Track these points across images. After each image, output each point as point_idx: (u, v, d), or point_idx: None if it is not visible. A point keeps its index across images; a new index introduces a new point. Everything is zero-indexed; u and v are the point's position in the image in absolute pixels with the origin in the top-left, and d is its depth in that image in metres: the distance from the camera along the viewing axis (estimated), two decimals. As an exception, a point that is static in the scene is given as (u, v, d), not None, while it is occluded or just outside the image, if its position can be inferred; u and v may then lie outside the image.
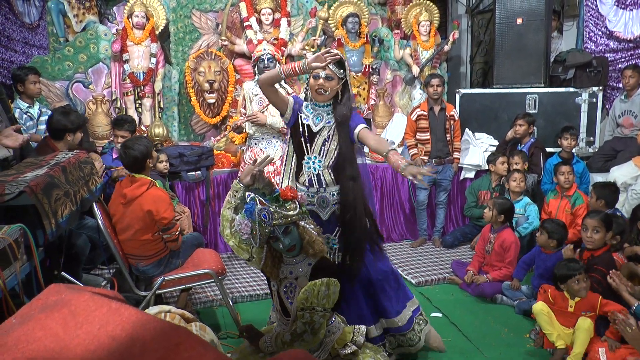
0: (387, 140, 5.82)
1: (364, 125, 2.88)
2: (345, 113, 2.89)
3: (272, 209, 2.42)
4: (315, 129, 2.92)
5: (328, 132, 2.92)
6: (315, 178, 2.94)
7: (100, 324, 1.06)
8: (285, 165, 3.09)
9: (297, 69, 2.79)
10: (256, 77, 4.57)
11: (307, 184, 2.96)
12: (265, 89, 2.88)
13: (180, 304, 3.64)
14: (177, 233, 3.37)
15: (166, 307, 3.07)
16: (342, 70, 2.88)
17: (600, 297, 3.12)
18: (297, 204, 2.50)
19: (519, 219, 4.65)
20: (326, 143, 2.92)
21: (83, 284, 3.41)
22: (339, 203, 2.95)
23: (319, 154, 2.92)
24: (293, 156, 3.04)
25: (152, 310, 3.01)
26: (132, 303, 3.20)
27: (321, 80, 2.84)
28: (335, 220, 2.97)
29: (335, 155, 2.93)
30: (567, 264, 3.25)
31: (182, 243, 3.51)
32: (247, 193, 2.52)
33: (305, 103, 2.99)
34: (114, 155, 4.53)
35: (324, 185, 2.94)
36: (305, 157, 2.94)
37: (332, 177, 2.94)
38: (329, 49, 2.83)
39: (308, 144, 2.93)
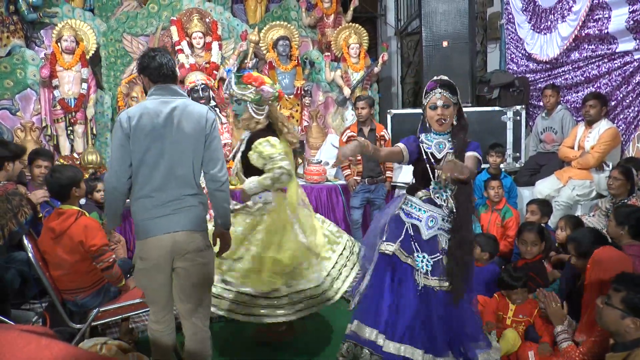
0: (321, 161, 5.92)
1: (473, 154, 2.89)
2: (462, 138, 2.92)
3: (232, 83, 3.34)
4: (439, 156, 2.92)
5: (450, 157, 2.88)
6: (441, 200, 2.92)
7: (30, 361, 1.04)
8: None
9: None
10: None
11: (425, 200, 2.95)
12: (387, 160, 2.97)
13: (122, 333, 3.55)
14: (110, 260, 3.26)
15: (102, 339, 3.03)
16: (455, 96, 2.93)
17: (538, 306, 3.25)
18: (254, 90, 3.26)
19: None
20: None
21: (12, 320, 3.27)
22: (446, 231, 2.92)
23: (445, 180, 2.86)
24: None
25: (88, 343, 2.95)
26: (67, 337, 3.11)
27: (439, 110, 2.89)
28: (434, 244, 2.92)
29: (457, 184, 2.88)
30: (512, 274, 3.37)
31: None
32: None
33: (424, 134, 3.00)
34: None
35: (446, 208, 2.91)
36: (432, 184, 2.93)
37: (453, 204, 2.90)
38: None
39: (435, 171, 2.90)
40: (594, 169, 4.90)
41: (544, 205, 4.49)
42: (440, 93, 2.90)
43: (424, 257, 2.89)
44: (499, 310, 3.35)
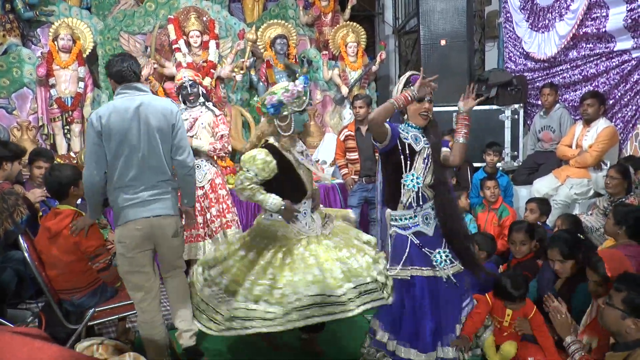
0: (319, 160, 5.91)
1: (447, 149, 3.07)
2: (438, 135, 3.05)
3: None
4: (417, 148, 2.96)
5: (426, 152, 2.98)
6: (415, 196, 2.96)
7: (23, 364, 1.03)
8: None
9: (408, 99, 2.84)
10: (182, 105, 4.52)
11: (409, 205, 2.97)
12: (380, 125, 2.86)
13: (119, 333, 3.54)
14: (106, 261, 3.24)
15: (98, 339, 3.02)
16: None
17: (535, 306, 3.18)
18: None
19: None
20: (425, 162, 2.97)
21: (9, 320, 3.27)
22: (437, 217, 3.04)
23: (418, 172, 2.96)
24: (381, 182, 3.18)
25: (85, 343, 2.94)
26: (63, 337, 3.10)
27: (427, 105, 2.95)
28: (439, 234, 3.01)
29: (432, 174, 2.99)
30: (513, 283, 3.18)
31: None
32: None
33: (400, 126, 3.02)
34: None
35: (427, 201, 2.99)
36: (404, 176, 2.96)
37: (432, 192, 3.00)
38: (425, 77, 2.85)
39: (409, 162, 2.95)
40: (591, 168, 4.90)
41: (543, 204, 4.49)
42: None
43: (439, 252, 2.97)
44: (494, 312, 3.27)
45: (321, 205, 3.35)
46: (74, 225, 3.05)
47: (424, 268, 2.94)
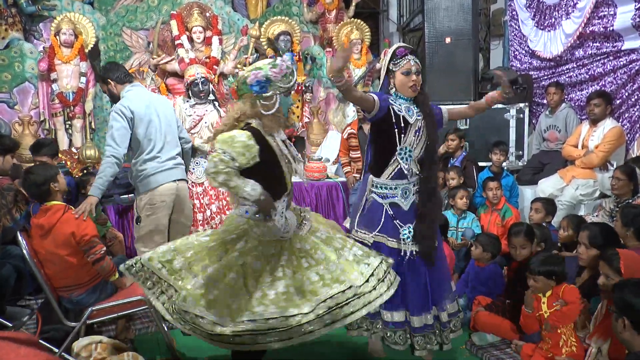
0: (322, 158, 5.86)
1: (446, 107, 3.12)
2: (429, 105, 3.03)
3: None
4: (410, 120, 2.96)
5: (418, 124, 2.99)
6: (406, 170, 2.98)
7: (8, 372, 0.99)
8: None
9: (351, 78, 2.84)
10: (191, 99, 4.50)
11: (393, 177, 2.99)
12: (353, 99, 2.90)
13: (119, 331, 3.51)
14: (101, 252, 3.18)
15: (97, 338, 2.98)
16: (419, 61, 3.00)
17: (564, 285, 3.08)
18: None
19: (465, 231, 4.74)
20: (417, 134, 2.99)
21: (7, 318, 3.23)
22: (417, 192, 3.04)
23: (410, 145, 2.97)
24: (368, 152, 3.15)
25: (83, 341, 2.91)
26: (62, 335, 3.06)
27: (414, 77, 2.94)
28: (414, 209, 3.03)
29: (423, 146, 3.01)
30: (544, 259, 3.14)
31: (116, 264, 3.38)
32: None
33: (394, 97, 3.01)
34: None
35: (413, 176, 3.01)
36: (398, 149, 2.97)
37: (418, 168, 3.03)
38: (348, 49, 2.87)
39: (403, 134, 2.96)
40: (597, 169, 4.84)
41: (549, 204, 4.43)
42: (414, 60, 2.96)
43: (409, 227, 3.01)
44: (537, 311, 3.16)
45: (308, 208, 3.11)
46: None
47: (389, 238, 2.98)
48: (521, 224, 3.85)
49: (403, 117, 2.96)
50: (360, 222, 3.08)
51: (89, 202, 3.23)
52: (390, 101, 2.98)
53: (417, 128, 2.99)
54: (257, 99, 2.66)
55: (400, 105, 2.99)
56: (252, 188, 2.56)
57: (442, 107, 3.15)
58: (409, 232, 3.01)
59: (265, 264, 2.68)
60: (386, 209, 3.01)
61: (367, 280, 2.67)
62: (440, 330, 3.10)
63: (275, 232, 2.68)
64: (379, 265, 2.77)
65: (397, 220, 3.00)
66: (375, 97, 2.90)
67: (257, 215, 2.66)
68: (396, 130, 2.95)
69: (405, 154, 2.98)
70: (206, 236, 2.81)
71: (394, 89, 3.04)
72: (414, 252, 3.00)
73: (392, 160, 3.00)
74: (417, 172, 3.04)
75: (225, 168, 2.50)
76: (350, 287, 2.61)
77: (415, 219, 3.03)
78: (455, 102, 5.97)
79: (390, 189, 3.01)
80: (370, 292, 2.66)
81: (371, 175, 3.08)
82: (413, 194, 3.05)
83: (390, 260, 2.87)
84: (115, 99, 3.68)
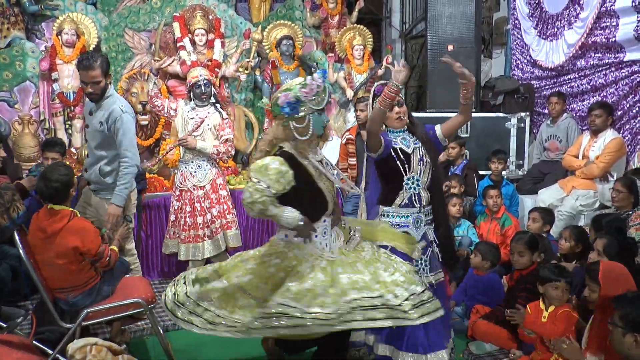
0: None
1: (438, 126, 3.11)
2: (422, 129, 3.07)
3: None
4: (409, 150, 3.00)
5: (419, 152, 3.02)
6: (416, 197, 3.02)
7: (2, 375, 0.97)
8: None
9: (392, 94, 2.74)
10: (192, 101, 4.49)
11: (405, 204, 3.02)
12: (376, 135, 2.88)
13: (114, 334, 3.49)
14: (107, 260, 3.19)
15: (92, 340, 2.96)
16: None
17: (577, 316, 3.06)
18: None
19: (462, 240, 4.73)
20: (421, 163, 3.02)
21: (2, 319, 3.21)
22: (429, 223, 3.09)
23: (417, 174, 3.00)
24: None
25: (78, 343, 2.89)
26: (57, 336, 3.04)
27: (396, 109, 2.97)
28: (425, 240, 3.05)
29: (430, 173, 3.05)
30: (553, 268, 3.19)
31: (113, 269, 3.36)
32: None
33: (385, 134, 3.04)
34: None
35: (423, 204, 3.03)
36: (405, 179, 3.00)
37: (428, 195, 3.05)
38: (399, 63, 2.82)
39: (406, 166, 2.99)
40: (598, 179, 4.83)
41: (547, 214, 4.41)
42: None
43: (422, 258, 3.01)
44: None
45: (348, 218, 3.10)
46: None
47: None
48: (525, 233, 3.85)
49: (401, 149, 2.99)
50: None
51: (116, 215, 3.45)
52: (390, 137, 3.02)
53: (419, 157, 3.02)
54: (290, 120, 2.63)
55: (395, 138, 3.03)
56: (288, 216, 2.60)
57: (434, 126, 3.14)
58: (423, 263, 3.02)
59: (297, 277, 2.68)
60: None
61: (400, 304, 2.57)
62: None
63: (318, 252, 2.70)
64: (419, 294, 2.64)
65: None
66: (382, 137, 2.94)
67: (296, 238, 2.70)
68: (398, 162, 2.97)
69: (412, 183, 3.01)
70: (246, 260, 2.84)
71: (383, 126, 3.05)
72: (433, 284, 3.00)
73: (401, 191, 3.02)
74: (428, 202, 3.06)
75: (261, 197, 2.53)
76: (380, 296, 2.57)
77: (428, 249, 3.06)
78: (456, 110, 5.96)
79: (401, 217, 3.03)
80: (399, 308, 2.57)
81: (381, 206, 3.09)
82: (424, 225, 3.06)
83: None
84: (95, 96, 3.51)
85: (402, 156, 2.98)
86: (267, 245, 2.85)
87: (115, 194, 3.47)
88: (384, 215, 3.06)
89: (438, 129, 3.13)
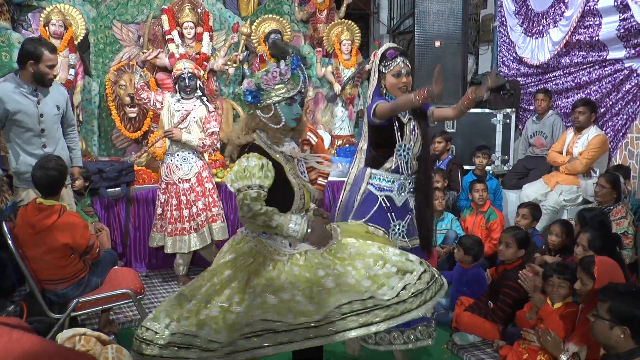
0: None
1: (433, 107, 3.17)
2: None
3: (307, 78, 2.58)
4: (404, 120, 3.08)
5: (412, 123, 3.10)
6: (405, 165, 3.08)
7: (0, 355, 1.00)
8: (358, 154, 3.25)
9: (426, 97, 2.76)
10: (177, 94, 4.48)
11: (392, 170, 3.09)
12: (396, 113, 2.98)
13: (102, 325, 3.50)
14: (96, 252, 3.24)
15: (81, 330, 2.97)
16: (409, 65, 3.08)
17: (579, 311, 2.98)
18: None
19: (448, 233, 4.80)
20: (413, 133, 3.10)
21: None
22: (412, 192, 3.16)
23: (409, 142, 3.08)
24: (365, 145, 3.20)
25: (67, 333, 2.90)
26: (45, 327, 3.05)
27: (404, 79, 3.04)
28: (406, 207, 3.14)
29: (420, 144, 3.13)
30: (554, 266, 3.14)
31: (101, 259, 3.37)
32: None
33: (383, 100, 3.06)
34: None
35: (409, 172, 3.11)
36: (397, 146, 3.06)
37: (416, 165, 3.13)
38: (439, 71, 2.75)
39: (399, 133, 3.05)
40: (581, 175, 4.92)
41: (536, 209, 4.48)
42: (403, 62, 3.04)
43: (398, 224, 3.10)
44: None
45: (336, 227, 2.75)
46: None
47: (379, 228, 2.97)
48: (519, 229, 3.88)
49: (397, 117, 3.04)
50: (355, 216, 3.10)
51: None
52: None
53: (411, 127, 3.09)
54: (256, 108, 2.46)
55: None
56: (296, 223, 2.40)
57: (430, 104, 3.19)
58: (398, 229, 3.09)
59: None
60: (381, 201, 3.08)
61: (397, 295, 2.36)
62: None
63: (282, 249, 2.47)
64: (417, 280, 2.42)
65: (391, 213, 3.08)
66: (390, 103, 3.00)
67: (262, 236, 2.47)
68: (395, 129, 3.04)
69: (403, 150, 3.07)
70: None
71: (384, 90, 3.10)
72: (410, 248, 3.06)
73: (392, 157, 3.09)
74: (415, 171, 3.14)
75: (260, 206, 2.32)
76: (371, 297, 2.34)
77: (407, 215, 3.14)
78: (443, 105, 5.99)
79: (388, 181, 3.10)
80: (394, 300, 2.35)
81: (369, 168, 3.15)
82: (407, 192, 3.14)
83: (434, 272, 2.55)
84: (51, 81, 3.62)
85: (397, 124, 3.04)
86: (230, 248, 2.56)
87: None
88: (370, 178, 3.12)
89: (430, 110, 3.19)
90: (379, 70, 3.10)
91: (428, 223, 3.25)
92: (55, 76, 3.50)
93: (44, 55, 3.41)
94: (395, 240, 3.06)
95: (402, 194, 3.13)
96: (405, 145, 3.07)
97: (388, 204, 3.08)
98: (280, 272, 2.39)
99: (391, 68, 3.04)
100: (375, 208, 3.07)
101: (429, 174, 3.25)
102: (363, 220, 3.02)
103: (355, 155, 3.31)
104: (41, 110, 3.55)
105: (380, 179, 3.11)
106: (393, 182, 3.10)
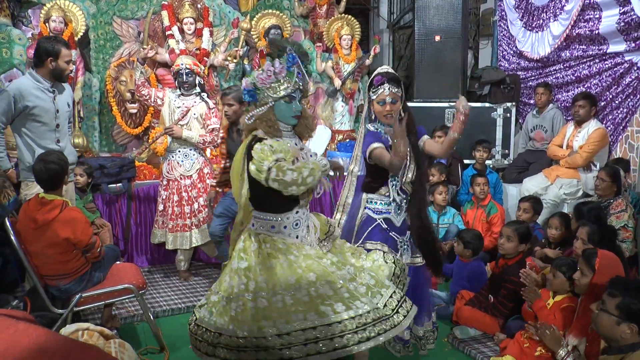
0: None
1: (427, 137, 3.09)
2: (411, 129, 2.97)
3: (306, 75, 2.50)
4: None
5: (406, 158, 2.98)
6: (399, 191, 3.07)
7: (7, 347, 1.01)
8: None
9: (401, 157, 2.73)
10: (178, 90, 4.48)
11: (388, 195, 3.07)
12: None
13: (105, 320, 3.52)
14: (98, 251, 3.24)
15: (84, 325, 2.97)
16: (401, 89, 2.99)
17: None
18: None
19: (450, 228, 4.81)
20: (407, 166, 3.03)
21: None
22: (407, 209, 3.14)
23: (404, 175, 3.03)
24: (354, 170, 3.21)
25: (70, 328, 2.90)
26: (48, 322, 3.06)
27: (388, 106, 2.96)
28: (404, 227, 3.14)
29: (414, 173, 3.06)
30: (560, 259, 3.21)
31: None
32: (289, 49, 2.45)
33: (374, 125, 3.08)
34: None
35: (404, 195, 3.09)
36: (390, 177, 3.04)
37: (410, 188, 3.09)
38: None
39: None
40: (581, 169, 4.93)
41: (537, 203, 4.49)
42: (389, 89, 2.97)
43: (402, 240, 3.11)
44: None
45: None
46: None
47: (386, 246, 2.99)
48: (522, 222, 3.88)
49: (390, 145, 2.95)
50: (356, 240, 3.08)
51: None
52: (384, 138, 3.02)
53: (406, 163, 3.02)
54: (255, 108, 2.47)
55: (387, 134, 3.03)
56: (323, 164, 2.48)
57: (425, 134, 3.12)
58: (402, 247, 3.10)
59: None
60: (378, 223, 3.07)
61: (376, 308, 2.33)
62: (418, 341, 3.27)
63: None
64: (390, 297, 2.41)
65: (393, 232, 3.08)
66: (383, 147, 2.93)
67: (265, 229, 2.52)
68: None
69: (396, 180, 3.06)
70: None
71: (373, 116, 3.10)
72: (414, 265, 3.13)
73: (386, 185, 3.08)
74: (410, 194, 3.11)
75: (294, 167, 2.30)
76: (356, 315, 2.29)
77: (408, 232, 3.15)
78: (443, 100, 6.04)
79: (384, 204, 3.08)
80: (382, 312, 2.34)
81: (364, 193, 3.15)
82: (405, 211, 3.13)
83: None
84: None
85: (387, 149, 2.93)
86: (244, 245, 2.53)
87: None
88: (368, 202, 3.12)
89: (423, 140, 3.09)
90: (369, 96, 3.06)
91: (427, 243, 3.12)
92: (71, 71, 3.53)
93: (62, 52, 3.53)
94: (406, 257, 3.10)
95: (400, 213, 3.13)
96: (397, 178, 3.05)
97: (386, 226, 3.07)
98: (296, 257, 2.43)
99: (377, 95, 2.99)
100: (370, 228, 3.06)
101: (423, 196, 3.16)
102: (363, 237, 3.04)
103: (347, 178, 3.28)
104: (57, 106, 3.65)
105: (376, 203, 3.10)
106: (389, 204, 3.09)
